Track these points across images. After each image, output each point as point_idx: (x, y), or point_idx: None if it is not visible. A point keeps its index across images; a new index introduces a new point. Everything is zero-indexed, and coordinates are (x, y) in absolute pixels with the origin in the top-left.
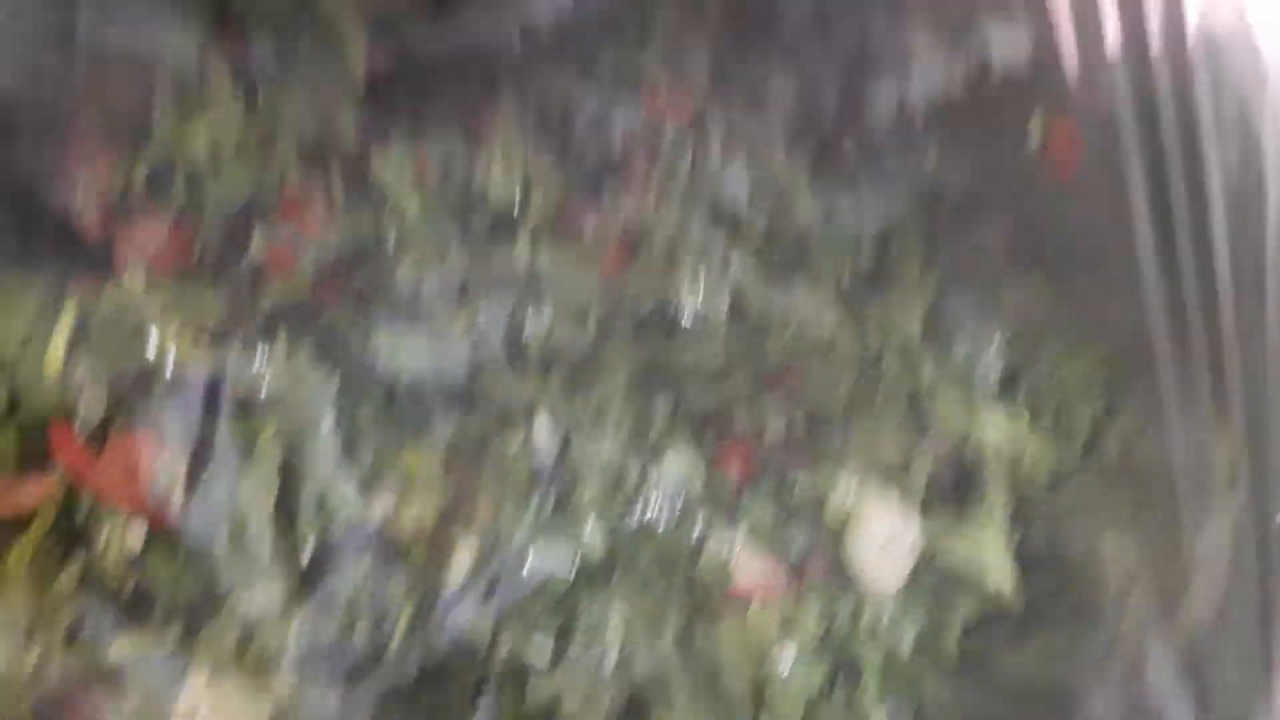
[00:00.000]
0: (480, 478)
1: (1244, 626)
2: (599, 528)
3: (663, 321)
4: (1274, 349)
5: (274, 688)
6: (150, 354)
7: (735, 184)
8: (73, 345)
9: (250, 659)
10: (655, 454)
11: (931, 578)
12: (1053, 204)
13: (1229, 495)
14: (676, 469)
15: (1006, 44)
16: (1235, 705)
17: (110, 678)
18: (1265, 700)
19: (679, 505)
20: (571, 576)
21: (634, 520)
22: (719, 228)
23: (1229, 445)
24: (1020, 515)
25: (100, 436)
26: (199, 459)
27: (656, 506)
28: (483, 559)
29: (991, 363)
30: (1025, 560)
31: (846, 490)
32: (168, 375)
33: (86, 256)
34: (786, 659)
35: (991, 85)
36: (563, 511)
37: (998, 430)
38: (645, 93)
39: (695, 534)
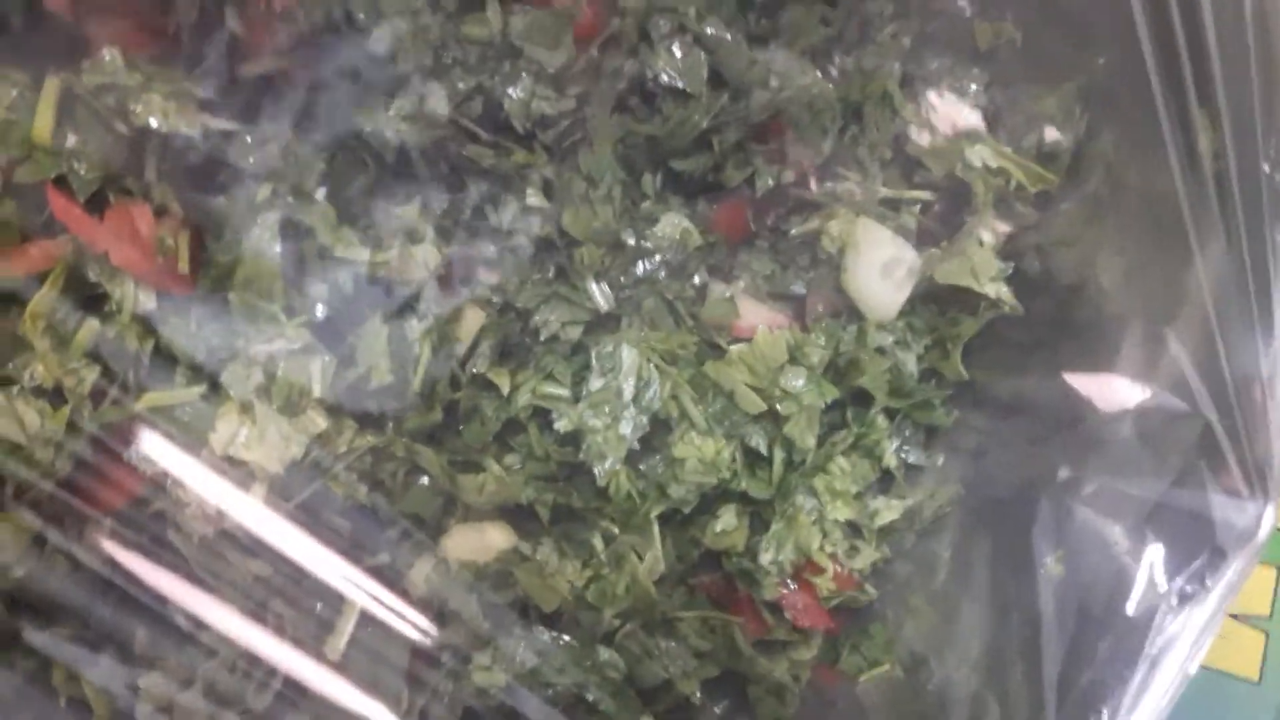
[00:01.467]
0: (479, 246)
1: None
2: (602, 285)
3: (643, 90)
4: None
5: (306, 423)
6: (137, 121)
7: None
8: (60, 119)
9: (278, 395)
10: (649, 220)
11: (931, 303)
12: None
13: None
14: (671, 231)
15: None
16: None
17: (142, 429)
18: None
19: (677, 262)
20: (581, 330)
21: (634, 276)
22: None
23: (1215, 139)
24: (1012, 244)
25: (99, 208)
26: (198, 229)
27: (656, 264)
28: (491, 319)
29: (971, 103)
30: (1019, 288)
31: (841, 223)
32: (159, 151)
33: (62, 40)
34: (796, 381)
35: None
36: (565, 274)
37: (983, 157)
38: None
39: (696, 282)
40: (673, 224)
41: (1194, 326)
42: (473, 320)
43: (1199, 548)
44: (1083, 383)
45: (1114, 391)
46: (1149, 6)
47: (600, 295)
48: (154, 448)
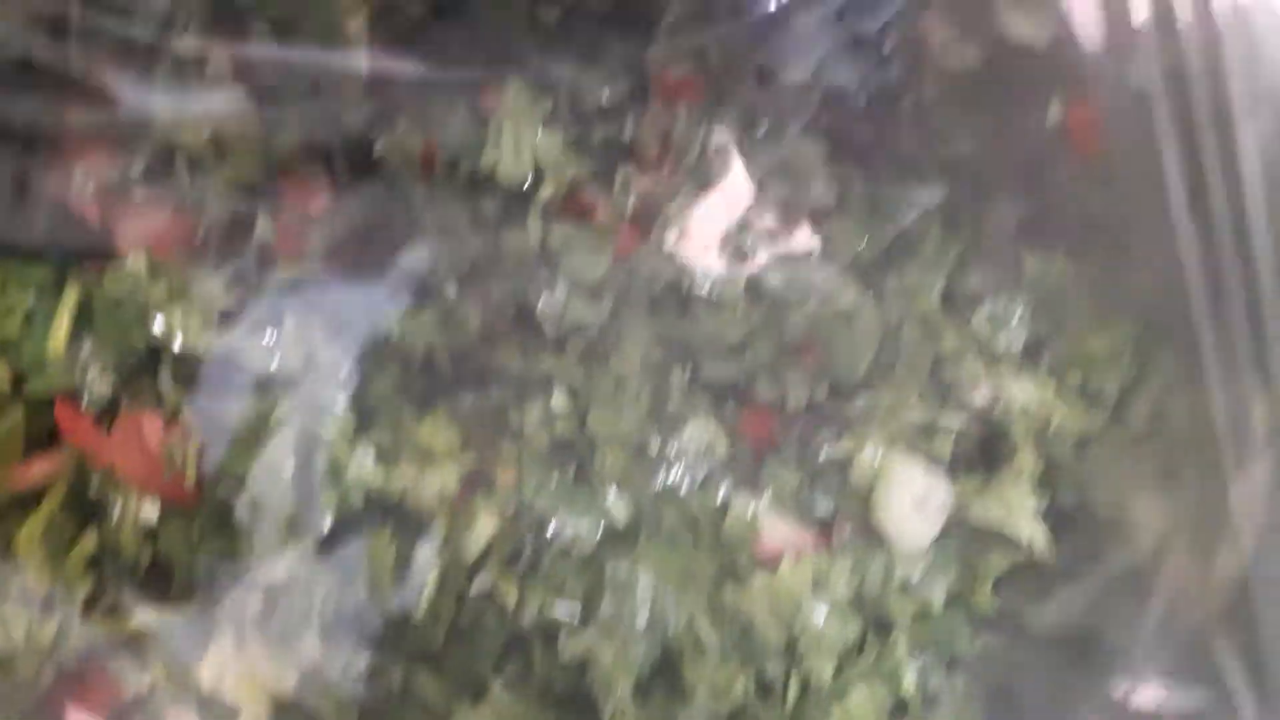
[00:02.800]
0: (499, 448)
1: None
2: (621, 495)
3: (677, 296)
4: None
5: (299, 651)
6: (156, 334)
7: (749, 164)
8: (77, 327)
9: (275, 624)
10: (675, 425)
11: (962, 535)
12: (1074, 182)
13: (1267, 452)
14: (697, 438)
15: (1024, 22)
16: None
17: (132, 646)
18: None
19: (702, 472)
20: (596, 541)
21: (656, 486)
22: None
23: (1268, 403)
24: (1049, 478)
25: (109, 416)
26: (211, 437)
27: (679, 473)
28: (505, 526)
29: (1014, 332)
30: (1054, 521)
31: (873, 454)
32: (175, 355)
33: (88, 242)
34: (818, 615)
35: (1009, 62)
36: (585, 480)
37: (1024, 394)
38: (655, 75)
39: (720, 497)
40: (700, 428)
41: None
42: (484, 529)
43: None
44: None
45: None
46: (1206, 278)
47: (620, 505)
48: (140, 671)
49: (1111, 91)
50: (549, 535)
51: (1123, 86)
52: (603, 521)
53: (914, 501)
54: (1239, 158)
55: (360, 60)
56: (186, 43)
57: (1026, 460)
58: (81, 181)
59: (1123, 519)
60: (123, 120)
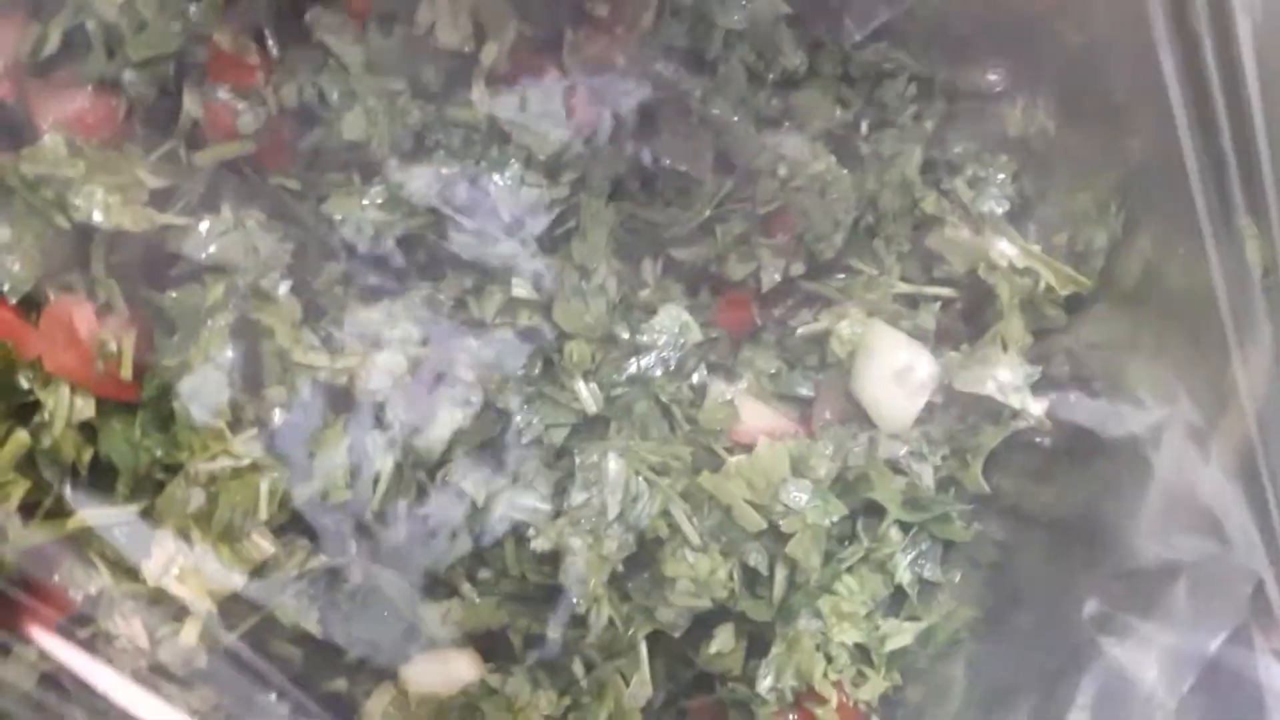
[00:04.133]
0: (461, 340)
1: None
2: (590, 384)
3: (643, 173)
4: None
5: (249, 549)
6: (77, 215)
7: (708, 25)
8: None
9: (218, 518)
10: (645, 312)
11: (950, 410)
12: (1053, 27)
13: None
14: (669, 325)
15: None
16: None
17: (76, 548)
18: None
19: (675, 359)
20: (565, 434)
21: (627, 375)
22: (697, 74)
23: (1265, 248)
24: (1039, 347)
25: (36, 307)
26: (147, 330)
27: (651, 361)
28: (470, 419)
29: (997, 194)
30: (1047, 391)
31: (852, 325)
32: (105, 245)
33: (3, 123)
34: (800, 496)
35: None
36: (552, 370)
37: (1009, 256)
38: None
39: (694, 382)
40: (671, 316)
41: (1238, 446)
42: (447, 422)
43: (1244, 711)
44: None
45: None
46: (1193, 103)
47: (589, 395)
48: (83, 571)
49: None
50: (516, 429)
51: None
52: (571, 414)
53: (896, 375)
54: None
55: None
56: None
57: (1015, 326)
58: None
59: (1119, 388)
60: None
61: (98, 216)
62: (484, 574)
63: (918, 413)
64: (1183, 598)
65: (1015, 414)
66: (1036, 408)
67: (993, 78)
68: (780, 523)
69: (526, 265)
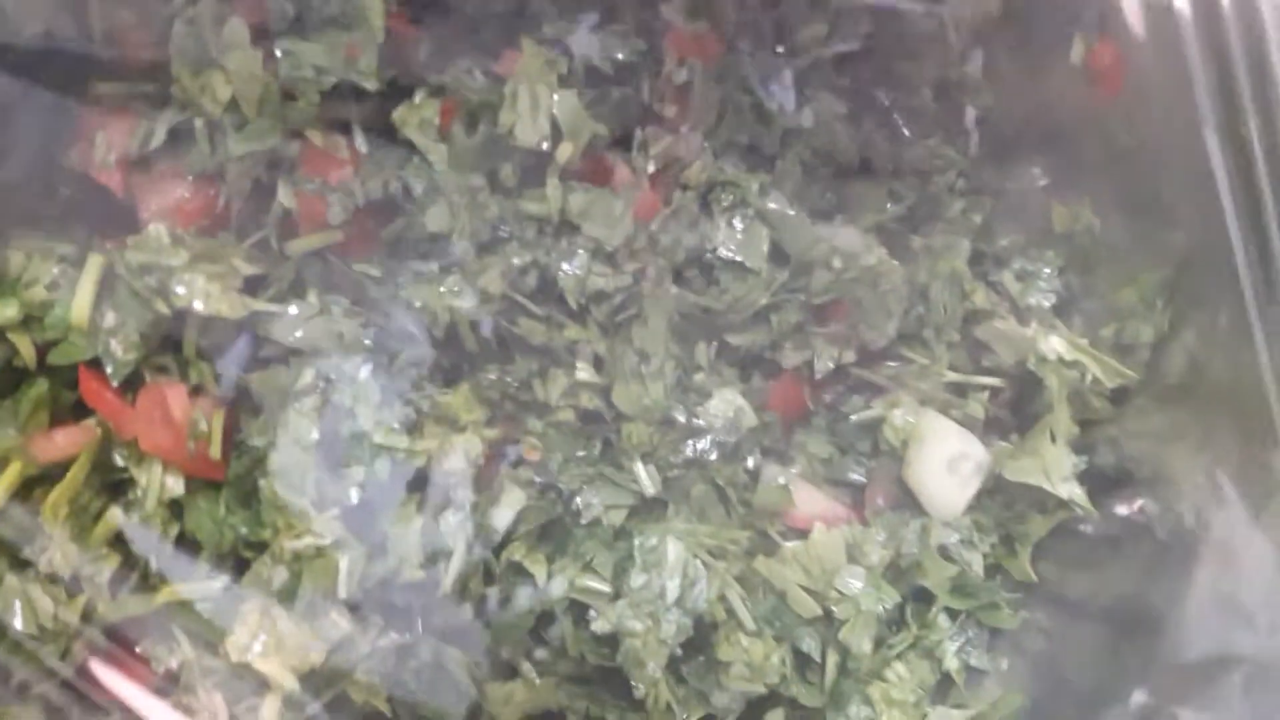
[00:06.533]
0: (525, 421)
1: None
2: (649, 467)
3: (701, 263)
4: None
5: (328, 627)
6: (178, 303)
7: (768, 124)
8: (99, 296)
9: (301, 597)
10: (701, 396)
11: (999, 498)
12: (1100, 125)
13: None
14: (724, 409)
15: None
16: None
17: (161, 622)
18: None
19: (730, 443)
20: (625, 515)
21: (684, 458)
22: (755, 170)
23: None
24: (1085, 437)
25: (132, 387)
26: (235, 410)
27: (707, 445)
28: (533, 499)
29: (1044, 287)
30: (1094, 484)
31: (904, 417)
32: (198, 328)
33: (110, 213)
34: (854, 583)
35: (1028, 4)
36: (611, 452)
37: (1057, 349)
38: (670, 35)
39: (749, 466)
40: (726, 400)
41: None
42: (512, 502)
43: None
44: None
45: None
46: (1242, 203)
47: (647, 478)
48: (168, 645)
49: (1135, 24)
50: (576, 509)
51: (1148, 17)
52: (630, 495)
53: (948, 464)
54: (1275, 84)
55: (378, 18)
56: (203, 8)
57: (1062, 418)
58: (103, 152)
59: (1165, 478)
60: (143, 89)
61: (197, 304)
62: (542, 654)
63: (969, 500)
64: (1238, 694)
65: (1063, 504)
66: (1084, 498)
67: (1038, 173)
68: (834, 608)
69: (589, 349)
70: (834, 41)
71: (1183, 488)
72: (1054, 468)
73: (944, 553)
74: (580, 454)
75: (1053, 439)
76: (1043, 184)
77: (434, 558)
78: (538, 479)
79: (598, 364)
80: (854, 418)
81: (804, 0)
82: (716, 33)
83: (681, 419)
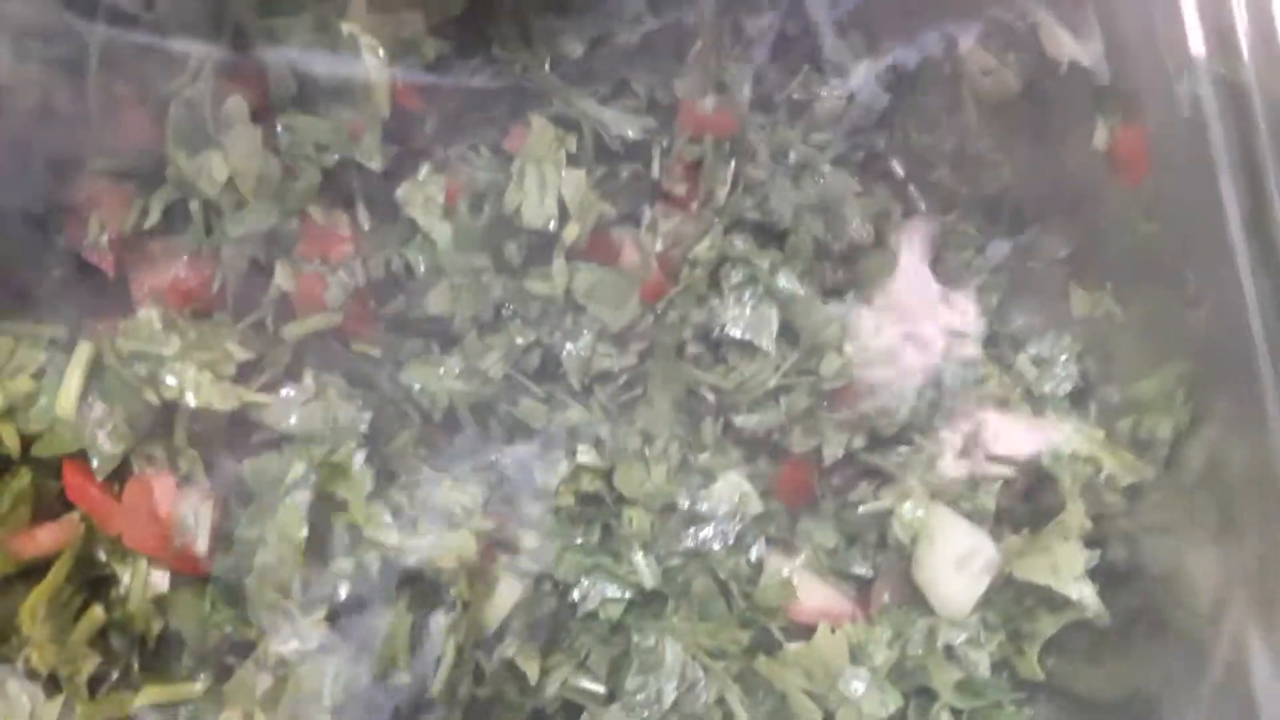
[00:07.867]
0: (523, 508)
1: None
2: (649, 557)
3: (708, 341)
4: None
5: None
6: (168, 394)
7: (781, 200)
8: (87, 385)
9: (285, 704)
10: (705, 479)
11: (1008, 596)
12: (1122, 211)
13: None
14: (729, 494)
15: (1069, 41)
16: None
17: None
18: None
19: (733, 531)
20: (623, 609)
21: (685, 547)
22: (766, 247)
23: None
24: (1098, 531)
25: (118, 478)
26: (224, 500)
27: (709, 533)
28: (528, 592)
29: (1061, 375)
30: (1105, 578)
31: (913, 509)
32: (188, 415)
33: (102, 294)
34: (857, 687)
35: (1050, 86)
36: (611, 540)
37: (1072, 442)
38: (683, 111)
39: (753, 558)
40: (731, 484)
41: None
42: (506, 596)
43: None
44: None
45: None
46: (1269, 297)
47: (647, 569)
48: None
49: (1160, 113)
50: (573, 602)
51: (1173, 107)
52: (629, 588)
53: (957, 561)
54: None
55: (381, 96)
56: (202, 86)
57: (1075, 514)
58: (96, 232)
59: (1178, 575)
60: (139, 165)
61: (188, 395)
62: None
63: (977, 599)
64: None
65: (1072, 603)
66: (1094, 598)
67: (1060, 256)
68: (836, 712)
69: (591, 431)
70: (849, 116)
71: (1197, 583)
72: (1065, 566)
73: (950, 653)
74: (579, 541)
75: (1064, 537)
76: (1063, 265)
77: (423, 659)
78: (534, 568)
79: (599, 446)
80: (862, 509)
81: (819, 75)
82: (730, 108)
83: (684, 504)
